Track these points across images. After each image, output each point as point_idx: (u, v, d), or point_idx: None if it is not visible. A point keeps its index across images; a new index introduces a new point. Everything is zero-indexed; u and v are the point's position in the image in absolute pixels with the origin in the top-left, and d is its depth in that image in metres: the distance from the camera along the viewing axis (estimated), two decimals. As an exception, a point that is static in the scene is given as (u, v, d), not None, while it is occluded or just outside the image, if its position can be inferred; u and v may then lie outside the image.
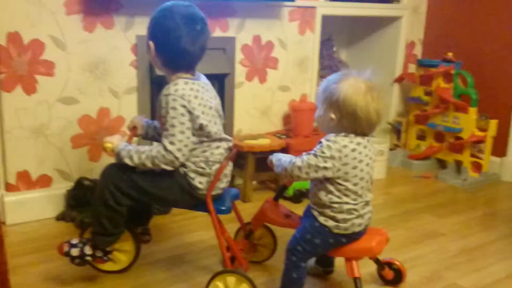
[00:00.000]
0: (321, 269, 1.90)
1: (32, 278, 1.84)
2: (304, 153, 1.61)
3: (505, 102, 3.16)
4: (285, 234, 1.86)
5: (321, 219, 1.63)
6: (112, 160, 1.76)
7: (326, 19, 3.04)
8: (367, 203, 1.66)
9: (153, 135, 1.87)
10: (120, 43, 2.38)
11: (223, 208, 1.74)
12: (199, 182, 1.67)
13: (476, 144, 3.08)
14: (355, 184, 1.59)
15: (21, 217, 2.28)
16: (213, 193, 1.71)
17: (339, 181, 1.58)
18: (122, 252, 1.87)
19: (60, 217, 2.33)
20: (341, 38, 3.58)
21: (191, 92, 1.62)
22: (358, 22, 3.54)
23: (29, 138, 2.27)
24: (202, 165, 1.67)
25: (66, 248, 1.74)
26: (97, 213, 1.71)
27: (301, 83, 3.02)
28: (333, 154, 1.56)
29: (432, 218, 2.56)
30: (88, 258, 1.75)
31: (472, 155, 3.11)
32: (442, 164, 3.38)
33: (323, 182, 1.61)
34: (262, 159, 2.64)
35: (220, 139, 1.71)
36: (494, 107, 3.15)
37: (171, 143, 1.59)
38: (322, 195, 1.62)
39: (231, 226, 1.97)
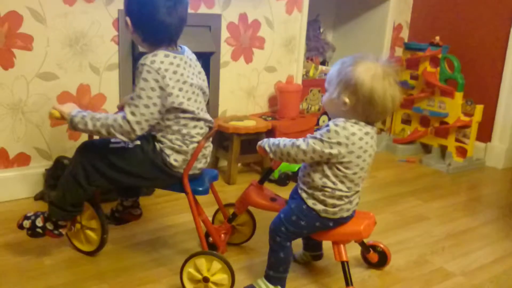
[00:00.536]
0: (309, 255, 1.86)
1: (7, 259, 1.79)
2: (309, 135, 1.55)
3: (491, 88, 3.15)
4: (265, 217, 1.82)
5: (310, 202, 1.58)
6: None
7: (314, -1, 2.98)
8: (357, 193, 1.62)
9: None
10: (101, 17, 2.29)
11: (201, 189, 1.68)
12: (175, 159, 1.61)
13: (461, 129, 3.08)
14: (354, 173, 1.55)
15: (-3, 197, 2.22)
16: (190, 172, 1.65)
17: (340, 167, 1.53)
18: (92, 231, 1.82)
19: (39, 197, 2.27)
20: (327, 19, 3.53)
21: (169, 66, 1.55)
22: (345, 3, 3.49)
23: (6, 115, 2.18)
24: (179, 142, 1.61)
25: (20, 221, 1.76)
26: (63, 185, 1.69)
27: (287, 64, 2.97)
28: (341, 140, 1.50)
29: (417, 202, 2.55)
30: (39, 230, 1.74)
31: (457, 140, 3.11)
32: (426, 148, 3.38)
33: (321, 164, 1.55)
34: (247, 141, 2.60)
35: (199, 119, 1.64)
36: (480, 93, 3.14)
37: (132, 113, 1.53)
38: (316, 177, 1.56)
39: (213, 209, 1.94)
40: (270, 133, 2.66)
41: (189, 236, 2.02)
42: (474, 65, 3.19)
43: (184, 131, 1.61)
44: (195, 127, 1.63)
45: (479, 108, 3.00)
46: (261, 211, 1.81)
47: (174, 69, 1.56)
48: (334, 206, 1.57)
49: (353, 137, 1.51)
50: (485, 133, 3.17)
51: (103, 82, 2.37)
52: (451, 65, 3.09)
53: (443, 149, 3.19)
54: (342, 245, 1.64)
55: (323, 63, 3.39)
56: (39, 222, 1.73)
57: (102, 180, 1.65)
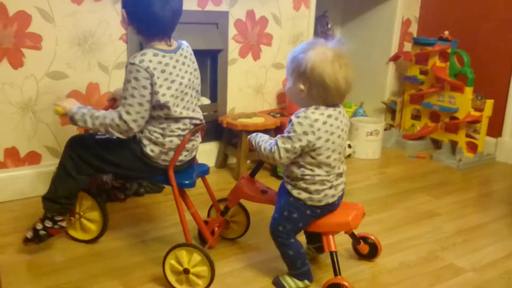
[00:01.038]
0: (313, 247, 1.86)
1: (18, 257, 1.80)
2: (278, 136, 1.58)
3: (501, 82, 3.12)
4: (258, 211, 1.81)
5: (295, 192, 1.61)
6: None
7: (322, -5, 2.97)
8: (340, 175, 1.65)
9: None
10: (109, 16, 2.30)
11: (187, 182, 1.70)
12: (151, 150, 1.65)
13: (472, 124, 3.06)
14: (327, 157, 1.57)
15: (9, 195, 2.23)
16: (169, 164, 1.68)
17: (313, 154, 1.56)
18: (91, 222, 1.87)
19: (49, 196, 2.28)
20: (335, 15, 3.52)
21: (157, 65, 1.57)
22: (353, -1, 3.48)
23: (16, 114, 2.19)
24: (156, 134, 1.64)
25: (24, 238, 1.79)
26: (54, 179, 1.75)
27: (295, 60, 2.95)
28: (306, 129, 1.53)
29: (428, 198, 2.54)
30: (42, 232, 1.77)
31: (467, 135, 3.09)
32: (437, 144, 3.35)
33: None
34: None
35: (183, 117, 1.66)
36: (490, 87, 3.11)
37: (128, 112, 1.57)
38: (295, 168, 1.60)
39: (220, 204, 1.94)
40: (279, 129, 2.65)
41: (194, 233, 2.02)
42: (484, 59, 3.16)
43: (164, 125, 1.64)
44: (176, 122, 1.65)
45: (489, 103, 2.98)
46: (255, 207, 1.80)
47: (162, 68, 1.58)
48: (318, 192, 1.59)
49: (317, 123, 1.53)
50: (495, 128, 3.14)
51: (112, 80, 2.37)
52: (460, 60, 3.06)
53: (453, 145, 3.17)
54: (331, 236, 1.66)
55: (332, 59, 3.38)
56: (38, 226, 1.77)
57: (90, 170, 1.72)
